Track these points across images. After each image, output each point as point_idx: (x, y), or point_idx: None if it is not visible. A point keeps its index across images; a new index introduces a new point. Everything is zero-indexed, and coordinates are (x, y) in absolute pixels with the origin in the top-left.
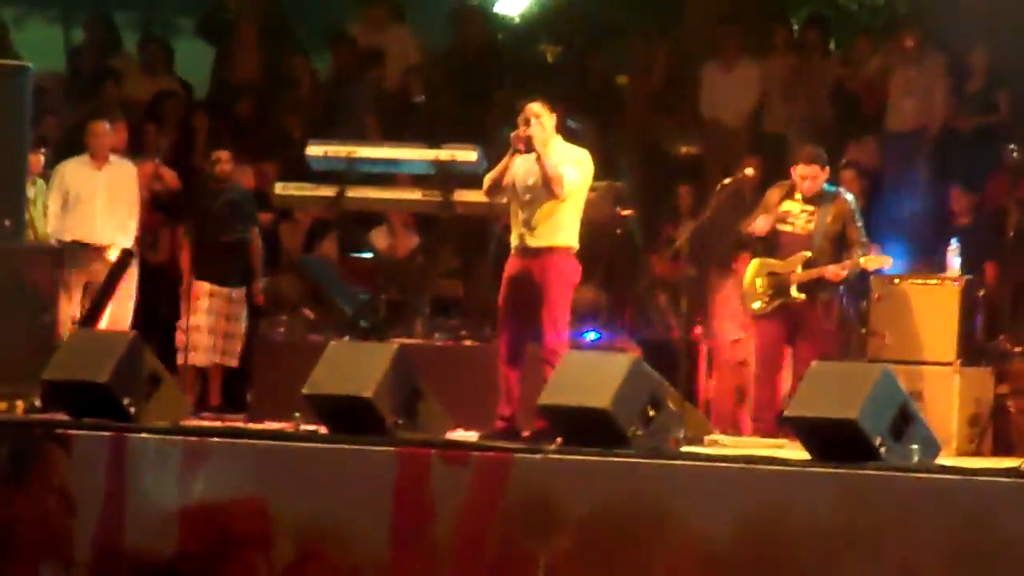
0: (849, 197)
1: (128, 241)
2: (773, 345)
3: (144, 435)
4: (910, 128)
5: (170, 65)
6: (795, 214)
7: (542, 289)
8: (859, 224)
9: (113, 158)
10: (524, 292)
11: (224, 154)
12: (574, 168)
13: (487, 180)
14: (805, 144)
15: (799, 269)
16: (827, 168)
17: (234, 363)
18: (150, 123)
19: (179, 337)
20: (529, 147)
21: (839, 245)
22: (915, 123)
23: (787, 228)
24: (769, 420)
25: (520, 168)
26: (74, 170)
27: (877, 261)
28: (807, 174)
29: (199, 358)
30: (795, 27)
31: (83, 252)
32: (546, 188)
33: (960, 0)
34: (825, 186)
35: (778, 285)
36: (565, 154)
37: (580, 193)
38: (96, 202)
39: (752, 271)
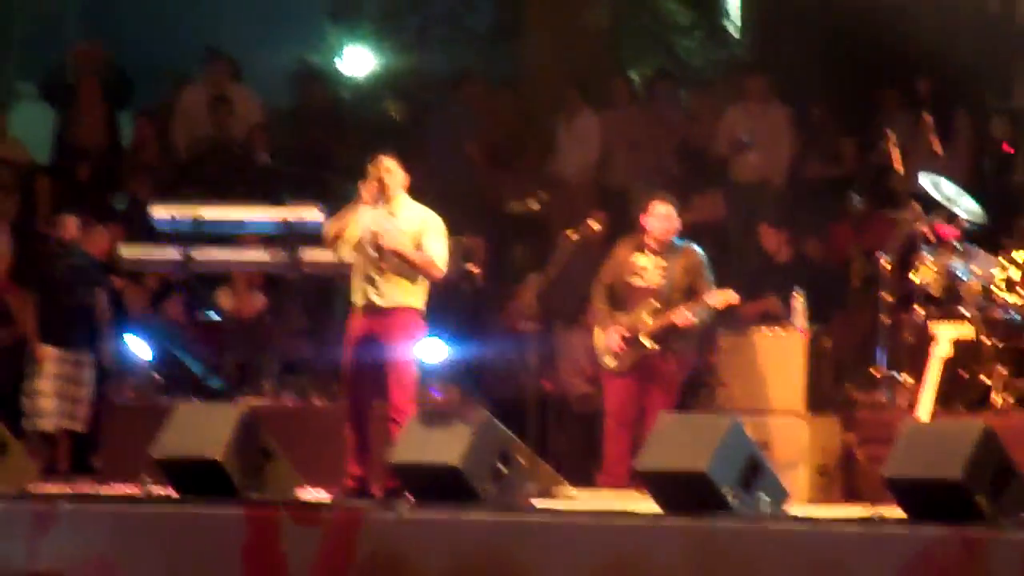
0: (698, 250)
1: None
2: (626, 401)
3: None
4: (755, 179)
5: (5, 131)
6: (645, 267)
7: (388, 348)
8: (709, 277)
9: None
10: (369, 351)
11: (69, 219)
12: (437, 238)
13: (330, 228)
14: (651, 195)
15: (648, 319)
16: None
17: (79, 427)
18: None
19: (24, 402)
20: (380, 198)
21: (689, 298)
22: (760, 174)
23: (638, 282)
24: (620, 473)
25: (368, 222)
26: None
27: (722, 297)
28: (663, 212)
29: (46, 423)
30: (636, 80)
31: None
32: (413, 269)
33: (802, 50)
34: (675, 240)
35: (629, 338)
36: (414, 213)
37: None
38: None
39: (604, 324)
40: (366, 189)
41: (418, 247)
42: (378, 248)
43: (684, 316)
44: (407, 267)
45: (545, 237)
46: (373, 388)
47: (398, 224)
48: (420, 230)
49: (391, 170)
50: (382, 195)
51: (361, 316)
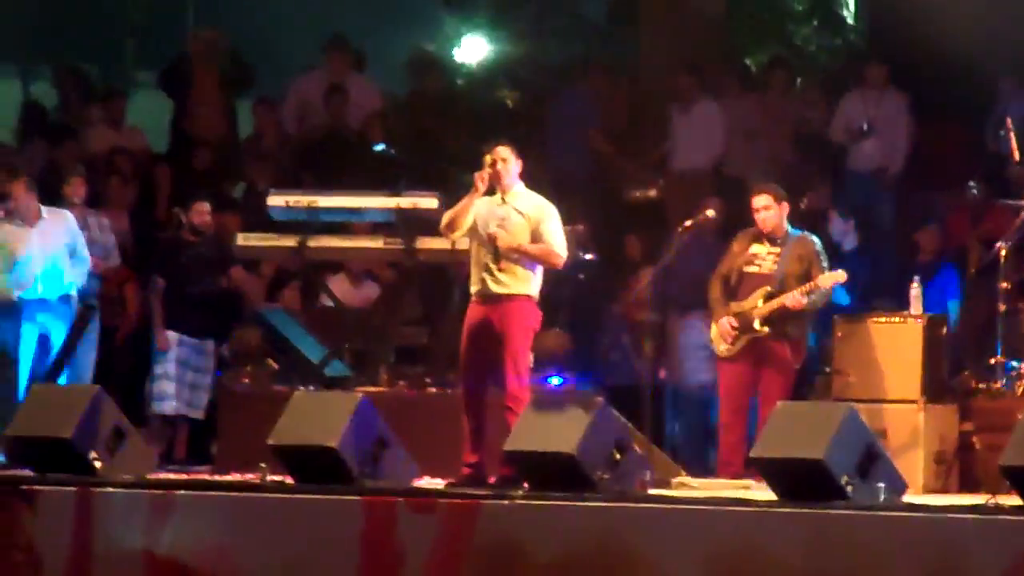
0: (814, 239)
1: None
2: (739, 387)
3: (109, 489)
4: (873, 168)
5: (123, 119)
6: (761, 256)
7: (503, 336)
8: (824, 264)
9: (45, 212)
10: (485, 339)
11: (203, 205)
12: (555, 226)
13: (445, 217)
14: (755, 187)
15: (760, 303)
16: (784, 203)
17: (199, 415)
18: (112, 176)
19: (148, 387)
20: (494, 189)
21: (804, 284)
22: (878, 163)
23: (753, 270)
24: (736, 461)
25: (483, 210)
26: (8, 230)
27: (832, 277)
28: (759, 205)
29: (167, 407)
30: (753, 69)
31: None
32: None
33: (918, 37)
34: (790, 229)
35: (742, 322)
36: (529, 202)
37: None
38: (35, 258)
39: (718, 315)
40: (481, 178)
41: (536, 236)
42: (495, 249)
43: (795, 298)
44: (526, 258)
45: (662, 226)
46: (489, 376)
47: (512, 215)
48: (537, 219)
49: (506, 159)
50: (497, 184)
51: (477, 304)
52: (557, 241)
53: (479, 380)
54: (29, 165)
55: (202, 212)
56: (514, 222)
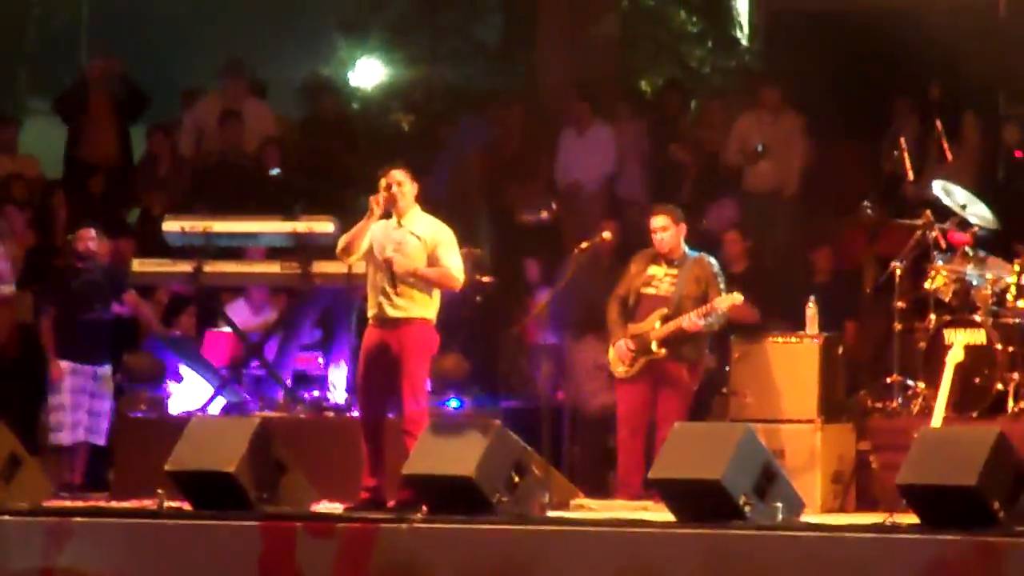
0: (711, 260)
1: None
2: (637, 408)
3: (5, 517)
4: (768, 188)
5: (16, 146)
6: (659, 277)
7: (400, 359)
8: (721, 286)
9: None
10: (383, 363)
11: (87, 231)
12: (451, 250)
13: (342, 241)
14: (652, 209)
15: (657, 325)
16: (681, 224)
17: (101, 441)
18: (7, 204)
19: (42, 417)
20: (390, 212)
21: (700, 305)
22: (773, 183)
23: (651, 291)
24: (635, 483)
25: (379, 234)
26: None
27: (728, 299)
28: (656, 226)
29: (63, 437)
30: (646, 91)
31: None
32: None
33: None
34: (687, 250)
35: (639, 344)
36: (426, 225)
37: None
38: None
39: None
40: (376, 201)
41: (432, 260)
42: (391, 273)
43: (691, 321)
44: (422, 282)
45: (557, 248)
46: (386, 400)
47: (408, 239)
48: (434, 243)
49: (402, 182)
50: (393, 208)
51: (375, 328)
52: (454, 264)
53: (377, 404)
54: None
55: (86, 239)
56: (411, 245)
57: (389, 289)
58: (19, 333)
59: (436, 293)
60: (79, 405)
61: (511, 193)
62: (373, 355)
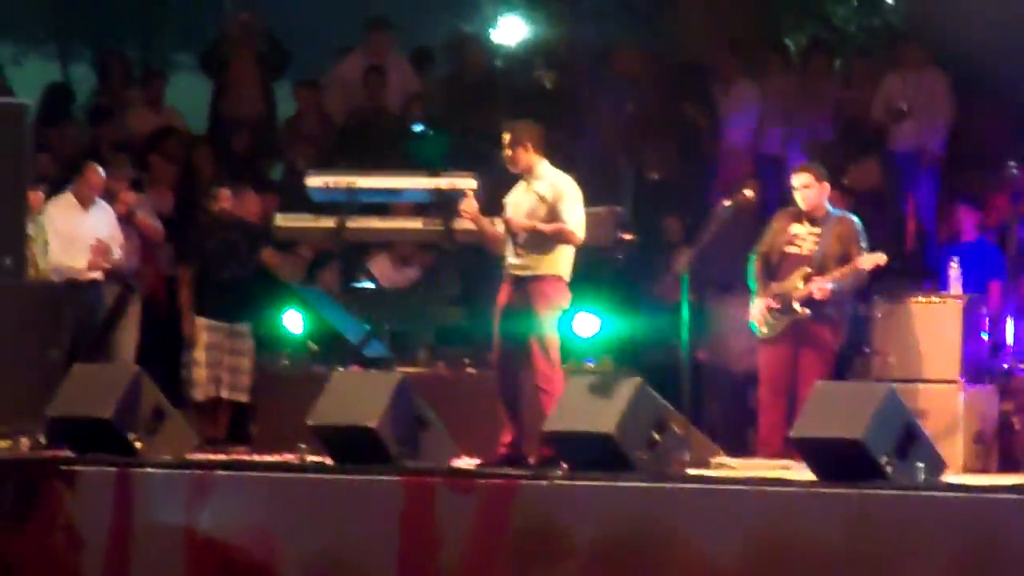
0: (855, 219)
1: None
2: (779, 367)
3: (149, 469)
4: (912, 148)
5: (162, 101)
6: (802, 236)
7: (530, 316)
8: (863, 245)
9: (98, 200)
10: (514, 319)
11: (223, 192)
12: (571, 204)
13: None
14: (795, 167)
15: (800, 284)
16: (824, 182)
17: (243, 397)
18: (155, 158)
19: (182, 373)
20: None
21: (843, 265)
22: (917, 142)
23: (793, 250)
24: (775, 442)
25: (514, 194)
26: (63, 212)
27: (872, 259)
28: (799, 184)
29: (199, 393)
30: (792, 49)
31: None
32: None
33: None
34: (830, 209)
35: (782, 304)
36: (548, 182)
37: None
38: (87, 242)
39: (758, 295)
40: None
41: (554, 215)
42: (513, 233)
43: (821, 287)
44: (541, 238)
45: (699, 206)
46: (519, 357)
47: (526, 197)
48: (555, 198)
49: (509, 144)
50: (514, 168)
51: (507, 284)
52: (572, 220)
53: (509, 361)
54: (62, 146)
55: (224, 199)
56: (530, 202)
57: (514, 247)
58: (166, 285)
59: (566, 250)
60: (217, 362)
61: (655, 151)
62: (505, 312)
